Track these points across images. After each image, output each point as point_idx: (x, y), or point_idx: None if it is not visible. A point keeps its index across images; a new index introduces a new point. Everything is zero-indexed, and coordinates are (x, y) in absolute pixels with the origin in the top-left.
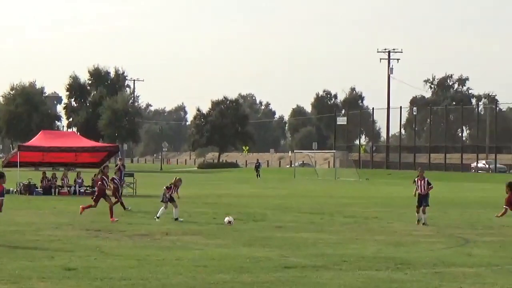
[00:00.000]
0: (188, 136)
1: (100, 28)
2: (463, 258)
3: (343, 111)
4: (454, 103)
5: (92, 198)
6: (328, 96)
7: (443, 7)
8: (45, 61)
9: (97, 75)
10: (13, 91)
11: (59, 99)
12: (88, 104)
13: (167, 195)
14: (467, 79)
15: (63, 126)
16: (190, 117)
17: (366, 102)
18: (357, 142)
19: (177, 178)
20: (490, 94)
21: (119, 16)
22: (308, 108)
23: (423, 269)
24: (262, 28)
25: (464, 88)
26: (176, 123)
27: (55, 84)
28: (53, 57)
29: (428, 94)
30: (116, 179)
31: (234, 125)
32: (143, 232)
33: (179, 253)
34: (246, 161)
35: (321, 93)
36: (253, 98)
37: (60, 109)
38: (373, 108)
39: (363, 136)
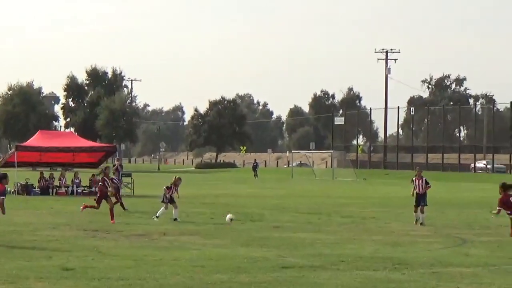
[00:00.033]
0: (186, 136)
1: (98, 28)
2: (461, 258)
3: (340, 111)
4: (451, 103)
5: (94, 199)
6: (326, 96)
7: (441, 7)
8: (42, 61)
9: (95, 75)
10: (11, 91)
11: (56, 99)
12: (85, 104)
13: (167, 196)
14: (464, 79)
15: (60, 126)
16: (187, 117)
17: (363, 102)
18: (354, 142)
19: (177, 177)
20: (487, 94)
21: (117, 17)
22: (306, 108)
23: (420, 269)
24: (259, 28)
25: (462, 88)
26: (174, 123)
27: (52, 84)
28: (50, 57)
29: (425, 94)
30: (115, 180)
31: (231, 125)
32: (140, 232)
33: (176, 253)
34: (244, 161)
35: (318, 93)
36: (251, 98)
37: (57, 109)
38: (370, 108)
39: (361, 136)
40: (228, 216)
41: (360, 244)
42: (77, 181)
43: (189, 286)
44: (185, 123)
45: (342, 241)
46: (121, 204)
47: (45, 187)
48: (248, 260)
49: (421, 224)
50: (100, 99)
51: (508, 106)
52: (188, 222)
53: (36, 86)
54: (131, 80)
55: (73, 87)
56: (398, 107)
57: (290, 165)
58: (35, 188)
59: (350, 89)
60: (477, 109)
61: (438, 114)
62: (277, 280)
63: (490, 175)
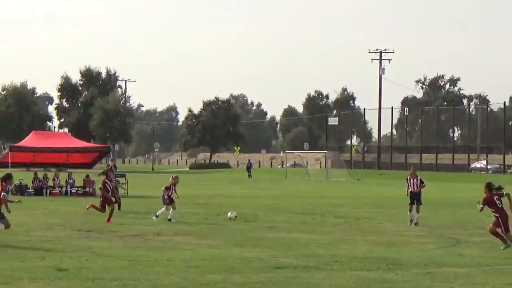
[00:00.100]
0: (180, 137)
1: (92, 28)
2: (454, 258)
3: (334, 112)
4: (445, 103)
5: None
6: (320, 96)
7: (435, 7)
8: (36, 62)
9: (89, 75)
10: (4, 92)
11: (50, 100)
12: (79, 104)
13: (165, 196)
14: (458, 79)
15: (54, 127)
16: (181, 117)
17: (357, 103)
18: (348, 142)
19: (174, 176)
20: (481, 95)
21: (111, 17)
22: (300, 109)
23: (414, 269)
24: (253, 29)
25: (456, 88)
26: (168, 124)
27: (46, 84)
28: (44, 57)
29: (419, 94)
30: (113, 181)
31: (225, 126)
32: (134, 232)
33: (170, 254)
34: (238, 161)
35: (312, 93)
36: (245, 98)
37: (51, 109)
38: (364, 109)
39: (355, 137)
40: (230, 214)
41: (354, 244)
42: (71, 181)
43: (183, 286)
44: (179, 124)
45: (336, 242)
46: (119, 205)
47: (39, 187)
48: (242, 261)
49: (415, 224)
50: (94, 99)
51: (502, 106)
52: (182, 222)
53: (30, 86)
54: (125, 81)
55: (67, 88)
56: (392, 107)
57: (284, 166)
58: (29, 189)
59: (344, 90)
60: (471, 109)
61: (432, 114)
62: (271, 280)
63: (484, 175)
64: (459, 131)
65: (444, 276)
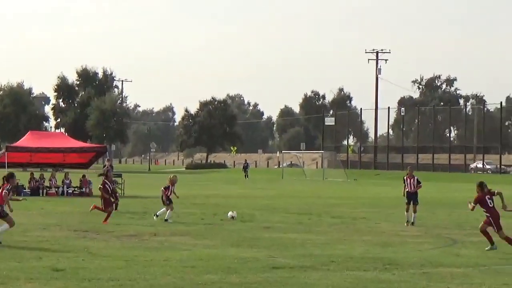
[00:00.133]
0: (176, 137)
1: (88, 29)
2: (451, 259)
3: (331, 112)
4: (442, 103)
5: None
6: (316, 96)
7: (432, 8)
8: (33, 62)
9: (85, 75)
10: (1, 92)
11: (47, 100)
12: (76, 104)
13: (164, 197)
14: (455, 79)
15: (51, 127)
16: (178, 117)
17: (354, 103)
18: (345, 142)
19: (172, 175)
20: (477, 95)
21: (108, 17)
22: (296, 109)
23: (410, 269)
24: (250, 29)
25: (452, 88)
26: (164, 124)
27: (43, 84)
28: (41, 57)
29: (416, 94)
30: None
31: (222, 126)
32: (131, 232)
33: (167, 254)
34: (234, 161)
35: (309, 93)
36: (241, 98)
37: (48, 109)
38: (361, 109)
39: (351, 137)
40: (231, 213)
41: (350, 244)
42: (68, 181)
43: (179, 286)
44: (175, 124)
45: (332, 242)
46: (116, 205)
47: (35, 187)
48: (239, 261)
49: (412, 224)
50: (91, 99)
51: (498, 106)
52: (179, 222)
53: (26, 86)
54: (122, 81)
55: (63, 88)
56: (389, 107)
57: (280, 166)
58: (25, 189)
59: (341, 90)
60: (467, 109)
61: (428, 114)
62: (268, 280)
63: (480, 175)
64: (455, 131)
65: (440, 276)
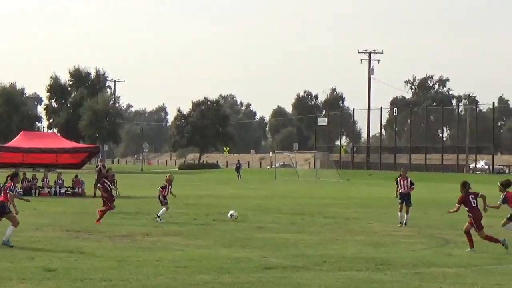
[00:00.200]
0: (169, 137)
1: (81, 29)
2: (443, 259)
3: (324, 112)
4: (434, 103)
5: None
6: (309, 97)
7: (424, 8)
8: (25, 62)
9: (78, 76)
10: None
11: (39, 100)
12: (68, 105)
13: (161, 196)
14: (447, 80)
15: (43, 127)
16: (170, 118)
17: (346, 103)
18: (337, 142)
19: (168, 174)
20: (470, 95)
21: (101, 17)
22: (289, 109)
23: (403, 269)
24: (243, 29)
25: (445, 89)
26: (157, 124)
27: (35, 85)
28: (33, 57)
29: (408, 95)
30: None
31: (214, 126)
32: (123, 233)
33: (159, 254)
34: (227, 162)
35: (301, 94)
36: (234, 98)
37: (40, 110)
38: (353, 109)
39: (344, 137)
40: (230, 213)
41: (343, 244)
42: (60, 182)
43: (172, 286)
44: (168, 124)
45: (325, 242)
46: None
47: (28, 188)
48: (231, 261)
49: (404, 224)
50: (83, 99)
51: (491, 106)
52: (171, 222)
53: (19, 86)
54: (114, 81)
55: (56, 88)
56: (381, 107)
57: (273, 166)
58: (18, 189)
59: (333, 90)
60: (460, 109)
61: (421, 114)
62: (260, 280)
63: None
64: (448, 132)
65: (433, 276)
